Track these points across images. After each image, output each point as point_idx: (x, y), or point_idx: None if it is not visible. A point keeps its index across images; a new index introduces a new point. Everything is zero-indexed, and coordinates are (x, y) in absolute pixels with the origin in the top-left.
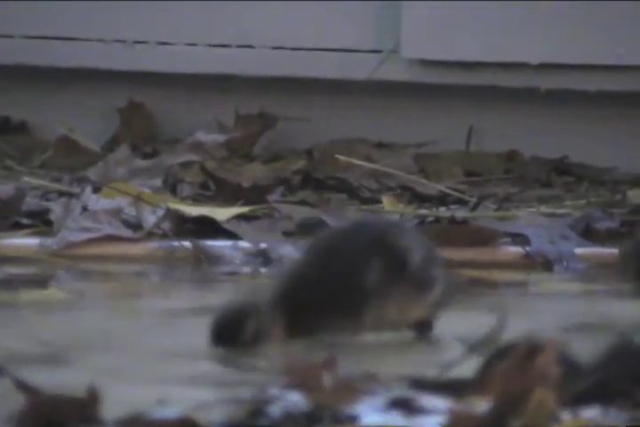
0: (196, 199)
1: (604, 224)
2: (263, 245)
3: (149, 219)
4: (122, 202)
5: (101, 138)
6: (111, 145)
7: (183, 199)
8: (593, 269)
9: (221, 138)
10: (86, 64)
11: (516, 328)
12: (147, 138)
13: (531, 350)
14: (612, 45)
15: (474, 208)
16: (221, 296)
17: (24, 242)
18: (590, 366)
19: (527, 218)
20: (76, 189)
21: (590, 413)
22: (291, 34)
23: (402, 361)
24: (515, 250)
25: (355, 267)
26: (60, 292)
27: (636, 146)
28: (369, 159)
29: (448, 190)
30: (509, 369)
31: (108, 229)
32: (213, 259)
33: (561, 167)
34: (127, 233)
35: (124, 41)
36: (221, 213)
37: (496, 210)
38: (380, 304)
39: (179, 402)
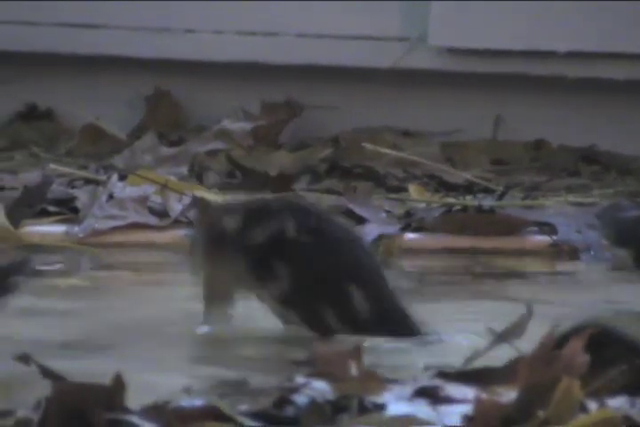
0: (222, 187)
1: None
2: None
3: (175, 207)
4: (148, 190)
5: (127, 125)
6: (137, 133)
7: (209, 187)
8: (620, 258)
9: (248, 126)
10: (113, 52)
11: (543, 317)
12: (173, 126)
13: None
14: None
15: (501, 197)
16: None
17: (50, 229)
18: None
19: (554, 207)
20: (102, 177)
21: (617, 402)
22: (317, 21)
23: (428, 351)
24: (542, 239)
25: None
26: (86, 279)
27: None
28: (395, 148)
29: (475, 179)
30: (536, 358)
31: (133, 217)
32: None
33: (589, 156)
34: (153, 221)
35: (151, 29)
36: None
37: (523, 199)
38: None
39: (205, 390)
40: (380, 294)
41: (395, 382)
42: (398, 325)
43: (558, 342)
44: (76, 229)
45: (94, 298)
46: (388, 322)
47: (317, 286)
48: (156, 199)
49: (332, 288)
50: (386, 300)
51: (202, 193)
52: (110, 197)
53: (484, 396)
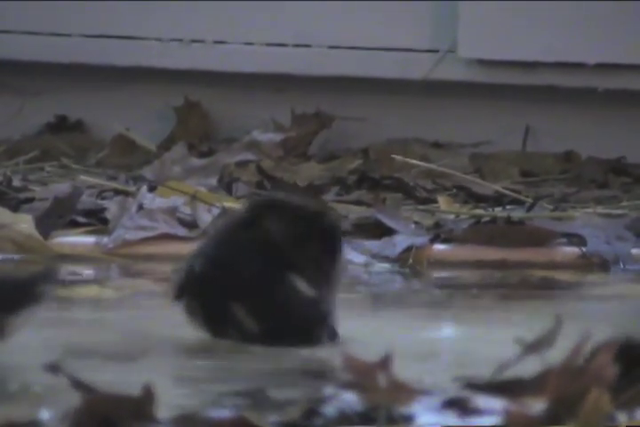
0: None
1: None
2: None
3: (205, 218)
4: (177, 201)
5: (157, 137)
6: (167, 144)
7: (238, 198)
8: None
9: (277, 137)
10: (143, 63)
11: (573, 329)
12: (202, 137)
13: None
14: None
15: (530, 208)
16: None
17: (80, 240)
18: None
19: (584, 218)
20: (131, 188)
21: None
22: (347, 33)
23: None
24: (571, 250)
25: None
26: (115, 290)
27: None
28: (425, 159)
29: (504, 190)
30: (565, 370)
31: (163, 228)
32: None
33: (618, 168)
34: (183, 232)
35: (181, 40)
36: None
37: (552, 210)
38: None
39: (233, 401)
40: (266, 308)
41: (423, 392)
42: (290, 335)
43: (586, 357)
44: (106, 239)
45: (123, 309)
46: (278, 334)
47: (215, 310)
48: (185, 210)
49: (224, 309)
50: (274, 312)
51: (231, 204)
52: (140, 208)
53: (512, 407)
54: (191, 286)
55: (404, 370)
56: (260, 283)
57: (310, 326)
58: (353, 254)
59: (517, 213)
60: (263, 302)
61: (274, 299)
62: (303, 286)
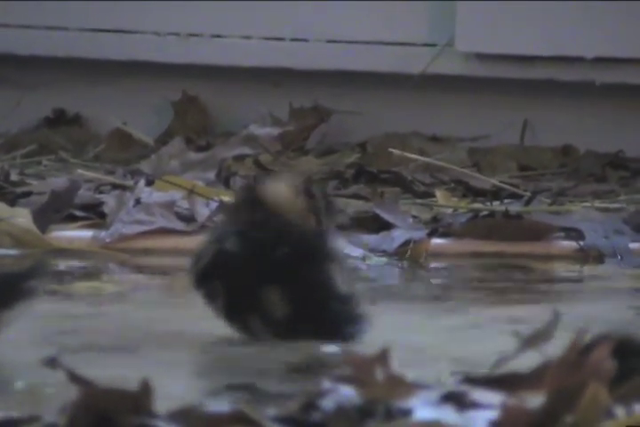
0: None
1: None
2: None
3: (203, 212)
4: (175, 195)
5: (155, 131)
6: (165, 138)
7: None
8: None
9: (275, 131)
10: (140, 57)
11: (570, 323)
12: (200, 131)
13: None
14: None
15: (528, 202)
16: None
17: (77, 234)
18: None
19: (581, 212)
20: (129, 182)
21: None
22: (345, 27)
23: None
24: (569, 244)
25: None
26: (113, 284)
27: None
28: (423, 153)
29: (502, 184)
30: (563, 364)
31: (161, 222)
32: None
33: (616, 162)
34: (180, 226)
35: (179, 34)
36: None
37: (550, 204)
38: None
39: (232, 394)
40: (301, 296)
41: (421, 387)
42: (320, 327)
43: (583, 351)
44: (103, 234)
45: (120, 303)
46: (309, 324)
47: (241, 293)
48: (183, 204)
49: (251, 293)
50: (309, 301)
51: (228, 198)
52: (137, 202)
53: (510, 401)
54: (221, 266)
55: (401, 364)
56: (301, 268)
57: (344, 321)
58: (350, 248)
59: (515, 207)
60: (301, 289)
61: (314, 287)
62: (340, 281)
